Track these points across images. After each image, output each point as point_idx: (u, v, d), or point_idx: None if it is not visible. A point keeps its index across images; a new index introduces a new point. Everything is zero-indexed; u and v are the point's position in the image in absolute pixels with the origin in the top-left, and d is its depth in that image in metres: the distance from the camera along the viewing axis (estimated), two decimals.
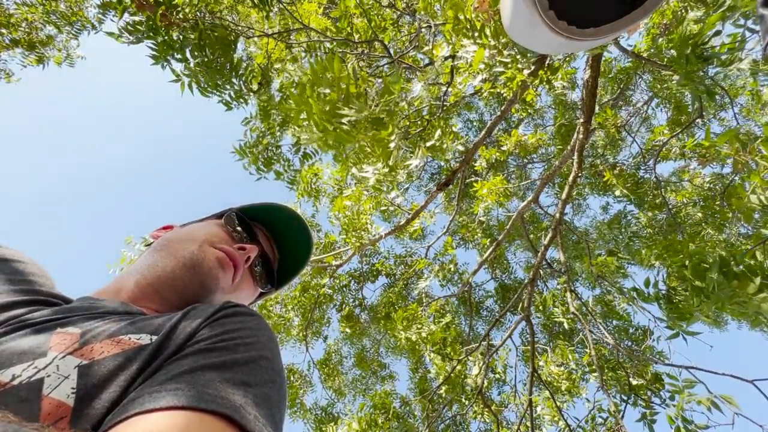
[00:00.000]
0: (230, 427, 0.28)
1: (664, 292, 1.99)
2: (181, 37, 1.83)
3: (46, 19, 3.87)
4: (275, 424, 0.33)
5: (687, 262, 1.74)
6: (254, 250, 0.59)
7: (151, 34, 1.73)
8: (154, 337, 0.37)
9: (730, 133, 1.97)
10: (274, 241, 0.70)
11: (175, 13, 1.78)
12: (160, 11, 1.71)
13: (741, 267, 1.56)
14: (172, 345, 0.36)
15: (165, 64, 1.86)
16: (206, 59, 1.88)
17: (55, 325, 0.37)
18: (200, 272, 0.51)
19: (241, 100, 2.24)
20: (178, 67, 1.90)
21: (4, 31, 3.87)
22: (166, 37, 1.76)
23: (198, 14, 1.98)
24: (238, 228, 0.63)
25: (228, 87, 2.07)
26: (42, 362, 0.32)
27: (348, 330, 5.51)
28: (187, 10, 1.86)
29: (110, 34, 1.81)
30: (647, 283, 2.07)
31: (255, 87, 2.29)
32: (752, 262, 1.59)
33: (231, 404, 0.30)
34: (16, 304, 0.41)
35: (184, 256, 0.51)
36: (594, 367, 3.76)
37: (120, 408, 0.29)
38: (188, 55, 1.87)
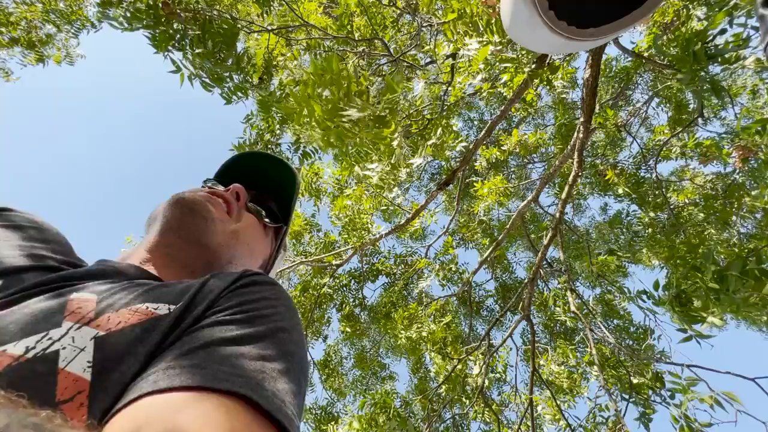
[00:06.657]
0: (247, 406, 0.27)
1: (674, 294, 1.96)
2: (182, 27, 1.81)
3: (45, 17, 3.85)
4: (295, 397, 0.32)
5: (698, 263, 1.72)
6: (238, 187, 0.62)
7: (152, 23, 1.72)
8: (173, 307, 0.36)
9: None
10: (258, 186, 0.72)
11: (176, 3, 1.77)
12: (161, 0, 1.70)
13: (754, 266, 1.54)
14: (191, 317, 0.35)
15: (166, 54, 1.85)
16: (206, 51, 1.87)
17: (69, 291, 0.36)
18: (186, 205, 0.53)
19: (241, 93, 2.22)
20: (178, 57, 1.89)
21: (3, 29, 3.85)
22: (166, 27, 1.75)
23: (199, 6, 1.97)
24: (217, 185, 0.65)
25: (229, 80, 2.06)
26: (57, 333, 0.30)
27: (348, 330, 5.49)
28: None
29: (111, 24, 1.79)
30: (656, 285, 2.03)
31: (256, 81, 2.28)
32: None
33: (248, 382, 0.29)
34: (28, 269, 0.39)
35: (170, 202, 0.54)
36: (595, 365, 3.75)
37: (134, 385, 0.28)
38: (188, 46, 1.85)
